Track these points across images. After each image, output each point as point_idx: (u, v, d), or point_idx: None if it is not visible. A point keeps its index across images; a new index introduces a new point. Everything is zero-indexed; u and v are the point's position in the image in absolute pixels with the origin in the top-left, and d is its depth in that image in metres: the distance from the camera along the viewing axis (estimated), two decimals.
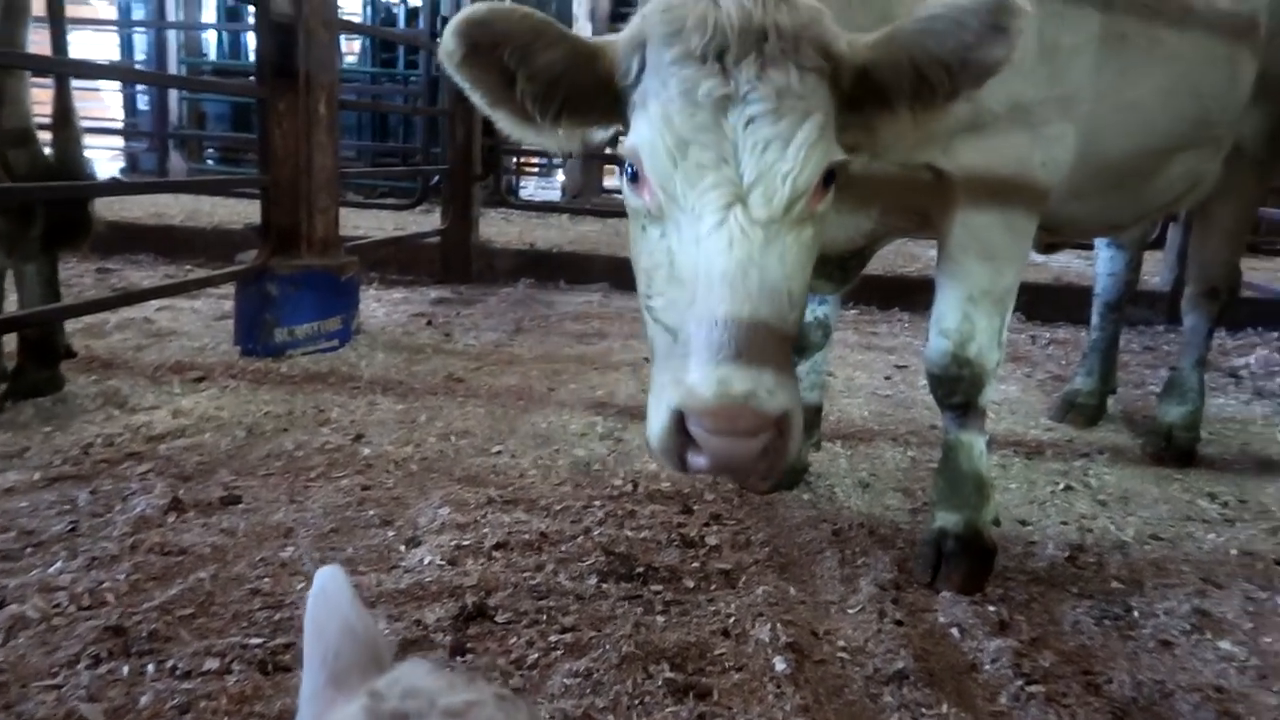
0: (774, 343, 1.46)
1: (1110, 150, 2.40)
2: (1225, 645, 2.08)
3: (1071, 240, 3.21)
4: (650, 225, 1.59)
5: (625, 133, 1.65)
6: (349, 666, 0.65)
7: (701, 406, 1.39)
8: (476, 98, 1.64)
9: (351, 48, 11.60)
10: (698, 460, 1.46)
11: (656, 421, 1.49)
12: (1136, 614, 2.19)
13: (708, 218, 1.48)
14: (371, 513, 2.48)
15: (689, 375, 1.43)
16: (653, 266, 1.59)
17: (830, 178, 1.57)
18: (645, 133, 1.54)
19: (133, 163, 11.41)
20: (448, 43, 1.54)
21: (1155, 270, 6.11)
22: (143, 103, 11.35)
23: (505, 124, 1.70)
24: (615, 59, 1.60)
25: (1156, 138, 2.52)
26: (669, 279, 1.55)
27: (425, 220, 7.42)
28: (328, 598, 0.68)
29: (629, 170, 1.60)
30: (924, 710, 1.77)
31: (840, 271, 2.57)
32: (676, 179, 1.50)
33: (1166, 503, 2.90)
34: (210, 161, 11.18)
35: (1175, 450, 3.29)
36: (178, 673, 1.74)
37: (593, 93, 1.64)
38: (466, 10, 1.54)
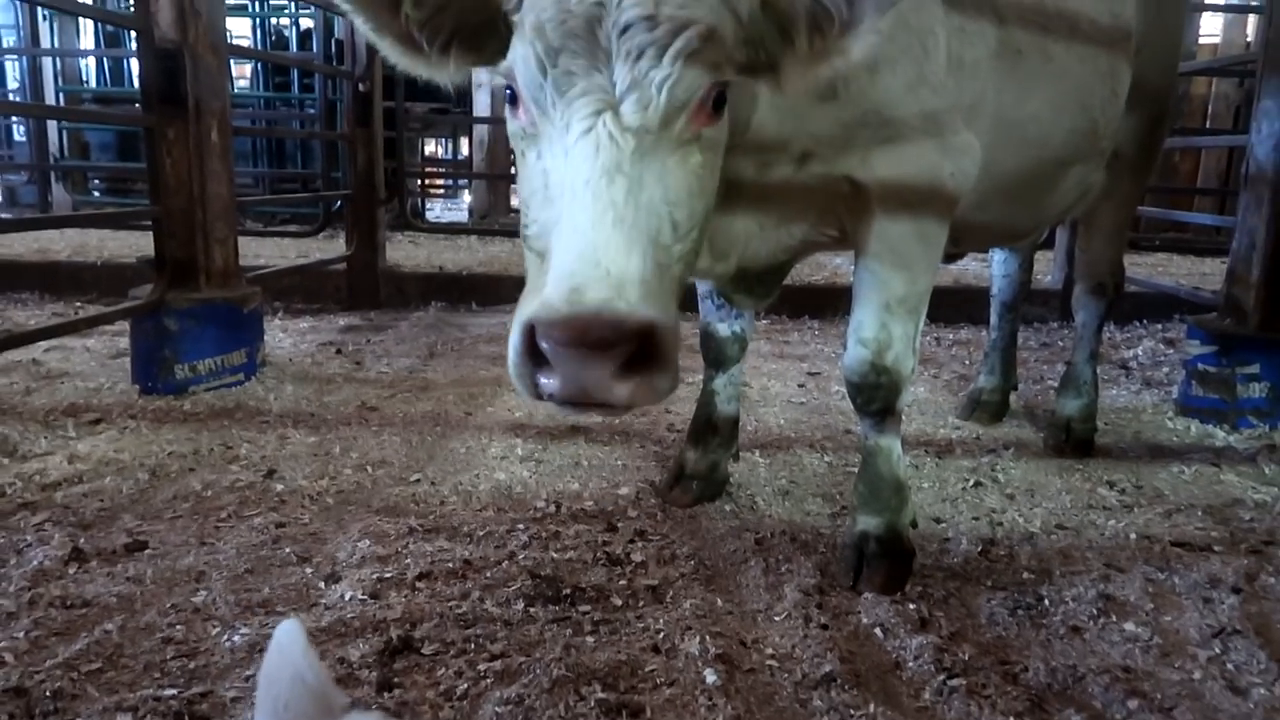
0: (647, 261, 1.39)
1: (1011, 162, 2.50)
2: (1130, 626, 2.17)
3: (973, 249, 3.34)
4: (529, 148, 1.55)
5: None
6: (298, 718, 0.64)
7: (551, 316, 1.29)
8: (359, 22, 1.57)
9: (242, 72, 11.30)
10: (549, 384, 1.35)
11: (510, 341, 1.38)
12: (1047, 602, 2.28)
13: (575, 125, 1.43)
14: (288, 550, 2.41)
15: (545, 288, 1.35)
16: (530, 193, 1.54)
17: (721, 102, 1.55)
18: (519, 46, 1.49)
19: (10, 197, 10.87)
20: None
21: (1046, 270, 6.39)
22: (19, 133, 10.84)
23: (391, 54, 1.63)
24: None
25: (1052, 149, 2.64)
26: (543, 201, 1.49)
27: (329, 247, 7.27)
28: (282, 650, 0.67)
29: (508, 92, 1.56)
30: (852, 712, 1.80)
31: (761, 286, 2.63)
32: (547, 89, 1.45)
33: (1069, 493, 3.03)
34: (96, 193, 10.72)
35: (1074, 442, 3.44)
36: None
37: (484, 25, 1.58)
38: None
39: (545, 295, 1.33)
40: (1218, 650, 2.07)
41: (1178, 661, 2.04)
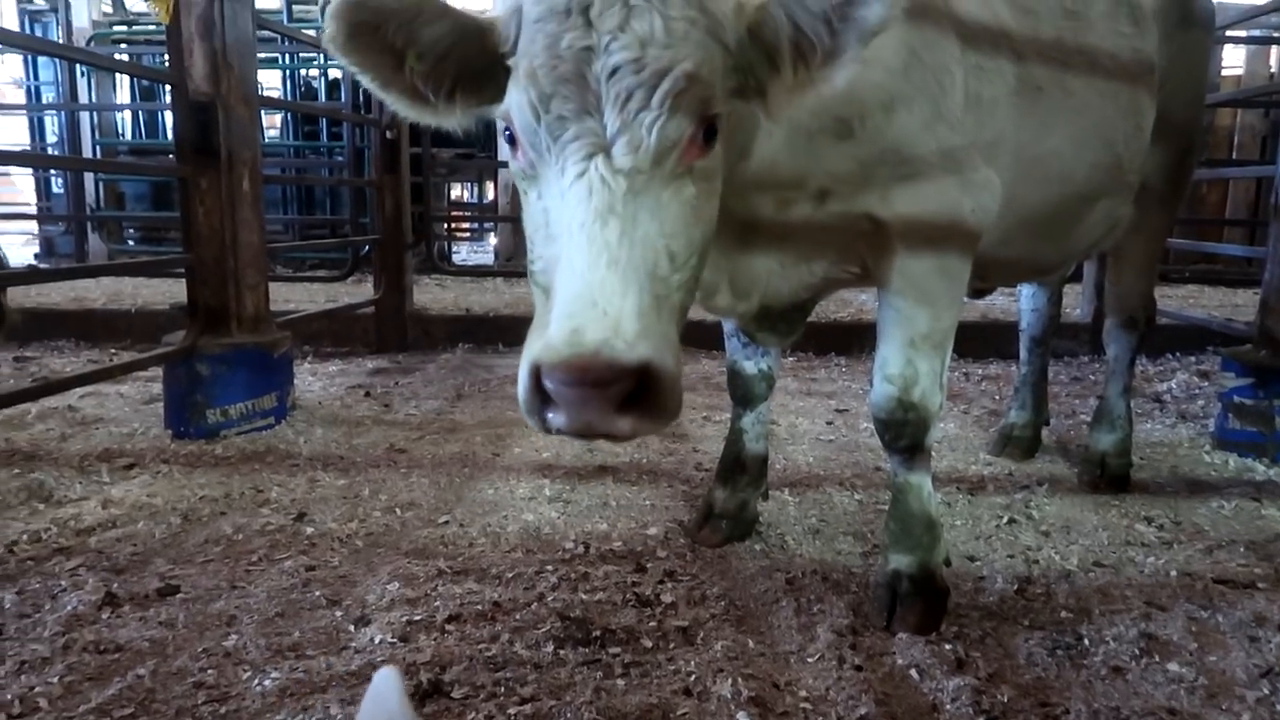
0: (643, 297, 1.43)
1: (1034, 198, 2.50)
2: (1174, 667, 2.12)
3: (1001, 284, 3.33)
4: (530, 188, 1.59)
5: None
6: None
7: (553, 358, 1.35)
8: (366, 80, 1.63)
9: (273, 121, 11.54)
10: (556, 419, 1.41)
11: (519, 380, 1.44)
12: (1087, 642, 2.23)
13: (570, 170, 1.48)
14: (318, 593, 2.41)
15: (548, 329, 1.40)
16: (533, 230, 1.58)
17: (711, 134, 1.57)
18: (513, 92, 1.54)
19: (49, 247, 11.11)
20: (328, 27, 1.53)
21: (1074, 303, 6.34)
22: (57, 185, 11.10)
23: (399, 106, 1.68)
24: (500, 31, 1.60)
25: (1076, 185, 2.64)
26: (545, 239, 1.54)
27: (357, 291, 7.36)
28: (378, 698, 0.68)
29: (506, 133, 1.60)
30: None
31: (785, 324, 2.63)
32: (541, 133, 1.50)
33: (1106, 529, 2.97)
34: (131, 242, 10.94)
35: (1110, 477, 3.39)
36: None
37: (485, 69, 1.63)
38: None
39: (548, 336, 1.38)
40: (1266, 691, 2.01)
41: (1225, 703, 1.98)
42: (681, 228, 1.54)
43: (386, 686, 0.70)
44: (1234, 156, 10.86)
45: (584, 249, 1.43)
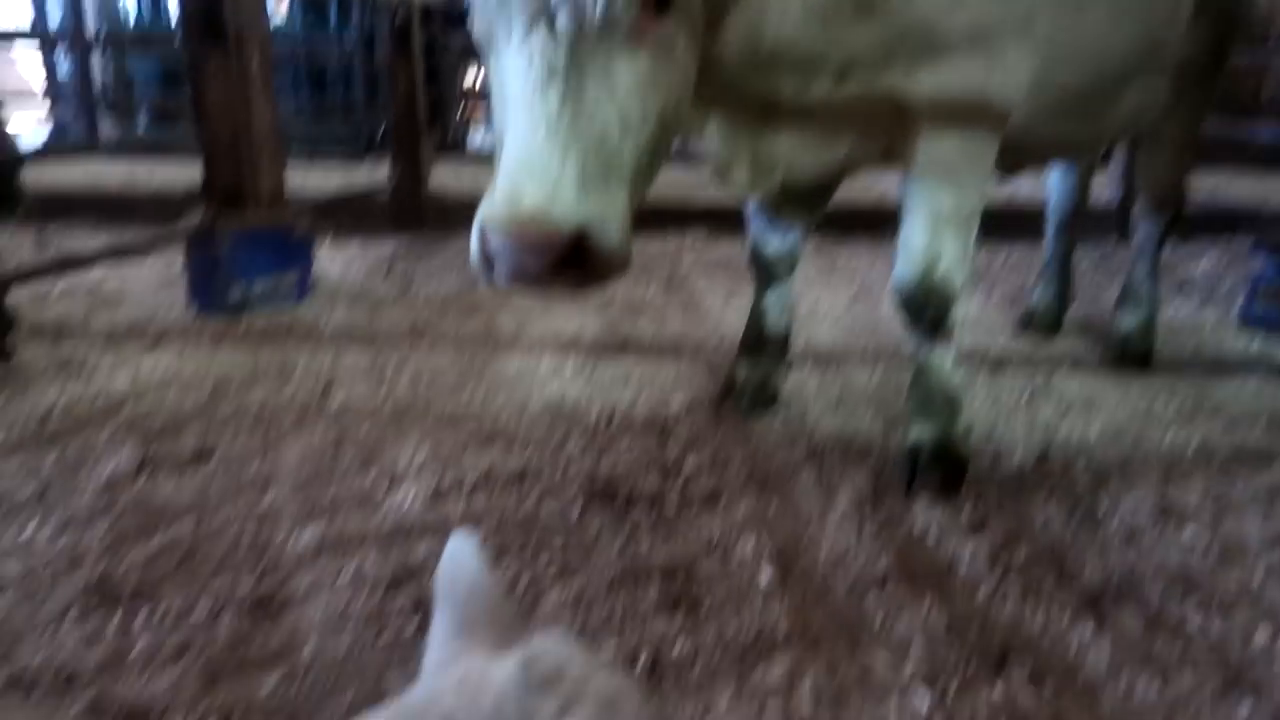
0: (586, 159, 1.47)
1: (1068, 76, 2.42)
2: (1189, 533, 2.16)
3: (1032, 164, 3.25)
4: (489, 52, 1.63)
5: None
6: (476, 616, 0.68)
7: (493, 221, 1.43)
8: None
9: (280, 9, 11.20)
10: (500, 272, 1.50)
11: (471, 238, 1.53)
12: (1104, 509, 2.27)
13: (515, 36, 1.52)
14: (348, 459, 2.46)
15: (494, 190, 1.47)
16: (492, 95, 1.64)
17: (665, 3, 1.58)
18: None
19: (60, 132, 10.97)
20: None
21: (1102, 188, 6.20)
22: (64, 72, 10.88)
23: None
24: None
25: (1112, 63, 2.55)
26: (500, 104, 1.59)
27: (374, 173, 7.27)
28: (456, 561, 0.71)
29: (466, 5, 1.64)
30: (905, 609, 1.82)
31: (807, 205, 2.59)
32: (491, 2, 1.54)
33: (1127, 406, 2.99)
34: (142, 128, 10.78)
35: (1133, 355, 3.38)
36: (167, 621, 1.73)
37: None
38: None
39: (492, 199, 1.45)
40: (1278, 557, 2.05)
41: (1237, 566, 2.03)
42: (634, 98, 1.56)
43: (463, 550, 0.72)
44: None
45: (524, 115, 1.48)
